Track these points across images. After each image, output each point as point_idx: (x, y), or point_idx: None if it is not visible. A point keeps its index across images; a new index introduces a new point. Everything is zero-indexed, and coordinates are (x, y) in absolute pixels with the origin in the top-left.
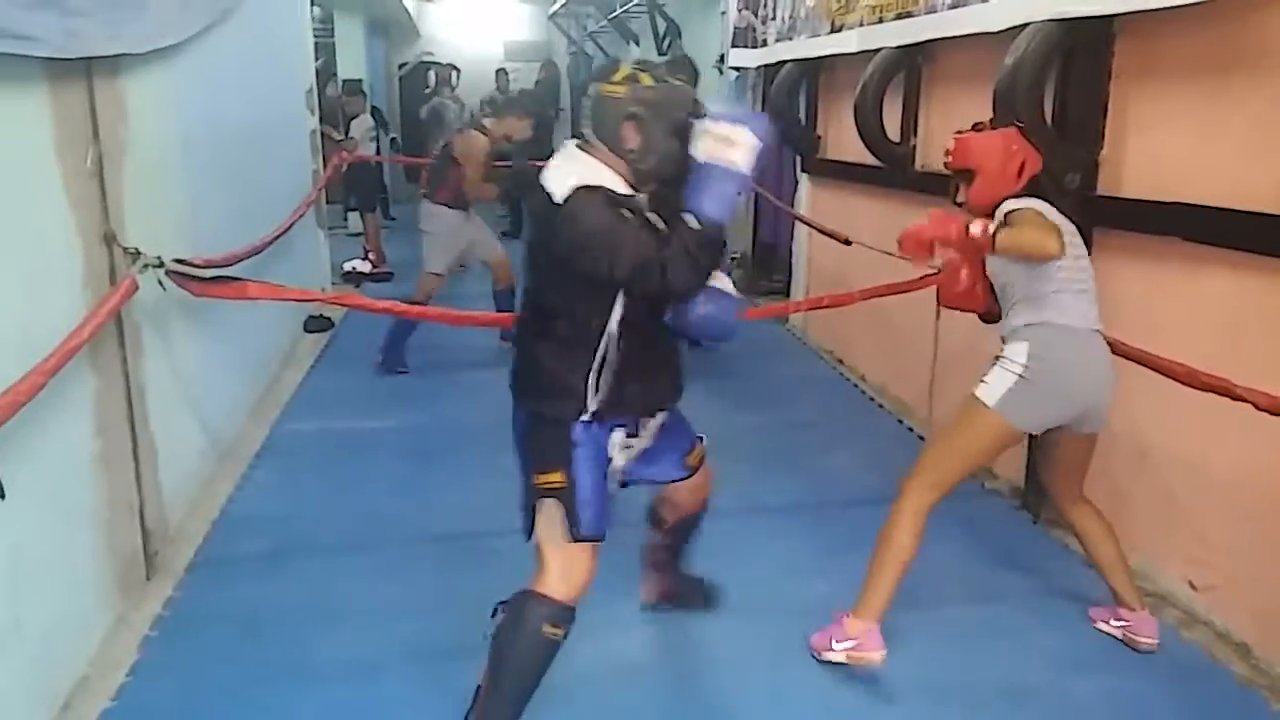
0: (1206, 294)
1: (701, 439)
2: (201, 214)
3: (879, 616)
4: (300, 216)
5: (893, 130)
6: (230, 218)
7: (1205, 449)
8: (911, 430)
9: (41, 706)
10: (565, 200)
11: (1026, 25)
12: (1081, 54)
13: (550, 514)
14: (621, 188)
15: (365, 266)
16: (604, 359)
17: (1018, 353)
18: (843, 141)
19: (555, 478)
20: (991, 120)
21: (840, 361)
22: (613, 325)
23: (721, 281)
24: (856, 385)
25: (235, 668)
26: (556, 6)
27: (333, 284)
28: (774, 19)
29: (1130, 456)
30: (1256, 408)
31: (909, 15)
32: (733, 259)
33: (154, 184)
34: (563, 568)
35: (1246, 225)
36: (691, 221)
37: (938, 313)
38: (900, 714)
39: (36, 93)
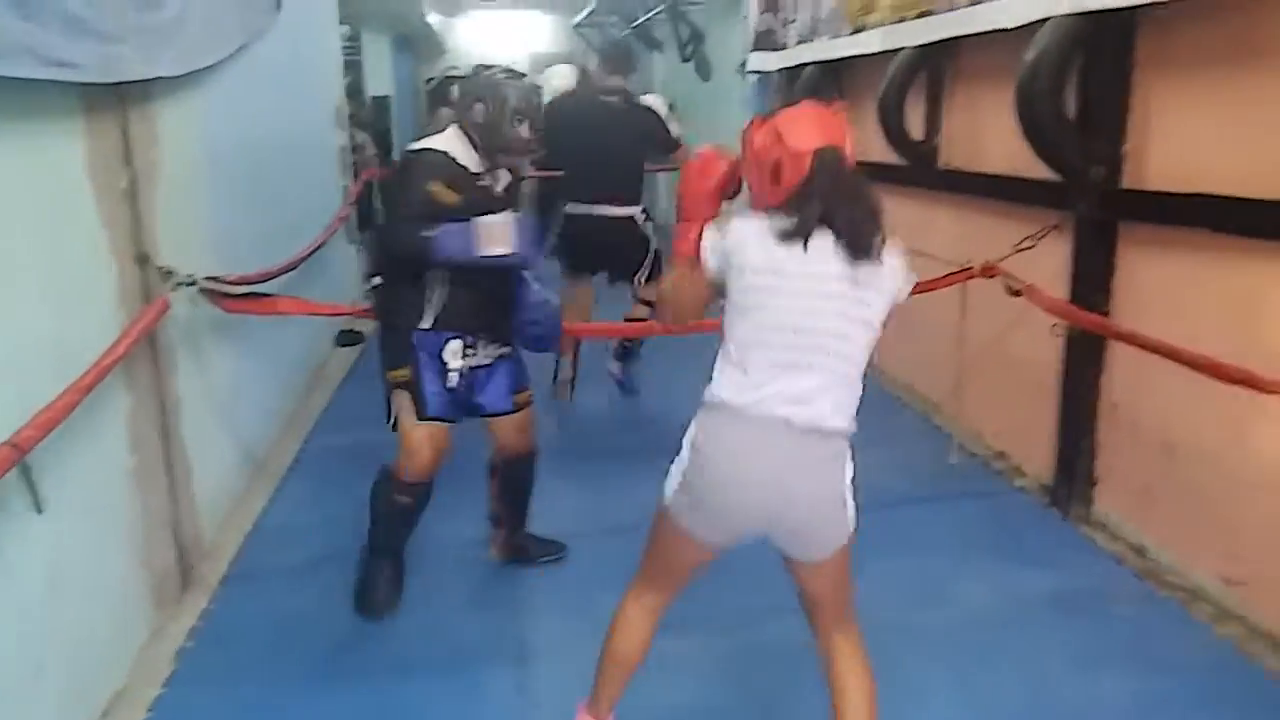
0: (1233, 286)
1: (529, 390)
2: (233, 231)
3: (600, 712)
4: (332, 233)
5: (915, 129)
6: (262, 234)
7: (1234, 442)
8: (939, 429)
9: (80, 718)
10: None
11: (1046, 20)
12: (1103, 47)
13: (401, 402)
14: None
15: None
16: (440, 284)
17: (689, 436)
18: (866, 140)
19: (403, 373)
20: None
21: None
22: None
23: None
24: (879, 381)
25: (270, 678)
26: (580, 17)
27: (364, 297)
28: (794, 21)
29: (1158, 450)
30: None
31: (930, 14)
32: None
33: (186, 204)
34: (411, 445)
35: (1274, 214)
36: (430, 232)
37: (963, 310)
38: (927, 715)
39: (72, 117)
